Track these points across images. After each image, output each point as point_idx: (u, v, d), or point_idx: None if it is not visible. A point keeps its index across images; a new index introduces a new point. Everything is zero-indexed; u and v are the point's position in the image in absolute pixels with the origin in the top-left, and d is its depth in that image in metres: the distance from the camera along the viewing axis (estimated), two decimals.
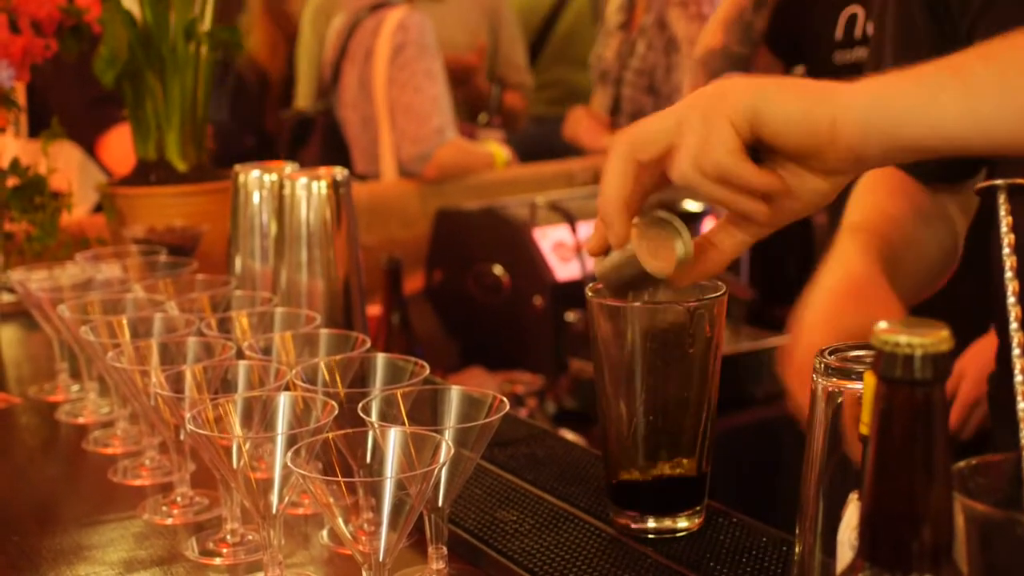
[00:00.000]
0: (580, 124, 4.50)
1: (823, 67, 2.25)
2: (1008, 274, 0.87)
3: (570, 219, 3.29)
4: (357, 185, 3.72)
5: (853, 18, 2.19)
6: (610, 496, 1.28)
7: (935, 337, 0.69)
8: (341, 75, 3.98)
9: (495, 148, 4.13)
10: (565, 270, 3.24)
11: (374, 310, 3.13)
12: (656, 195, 3.16)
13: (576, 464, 1.47)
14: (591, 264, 3.22)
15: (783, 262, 3.95)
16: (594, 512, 1.32)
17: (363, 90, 3.89)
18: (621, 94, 4.34)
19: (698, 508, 1.27)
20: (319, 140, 4.04)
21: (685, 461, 1.24)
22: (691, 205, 3.23)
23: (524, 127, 4.85)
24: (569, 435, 2.51)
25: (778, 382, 3.60)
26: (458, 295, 3.47)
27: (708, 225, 3.34)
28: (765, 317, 3.62)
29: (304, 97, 4.55)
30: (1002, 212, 0.88)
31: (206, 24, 2.24)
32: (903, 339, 0.69)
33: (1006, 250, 0.87)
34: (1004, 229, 0.88)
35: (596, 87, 4.52)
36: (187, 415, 1.15)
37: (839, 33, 2.21)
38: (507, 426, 1.59)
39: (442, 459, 1.05)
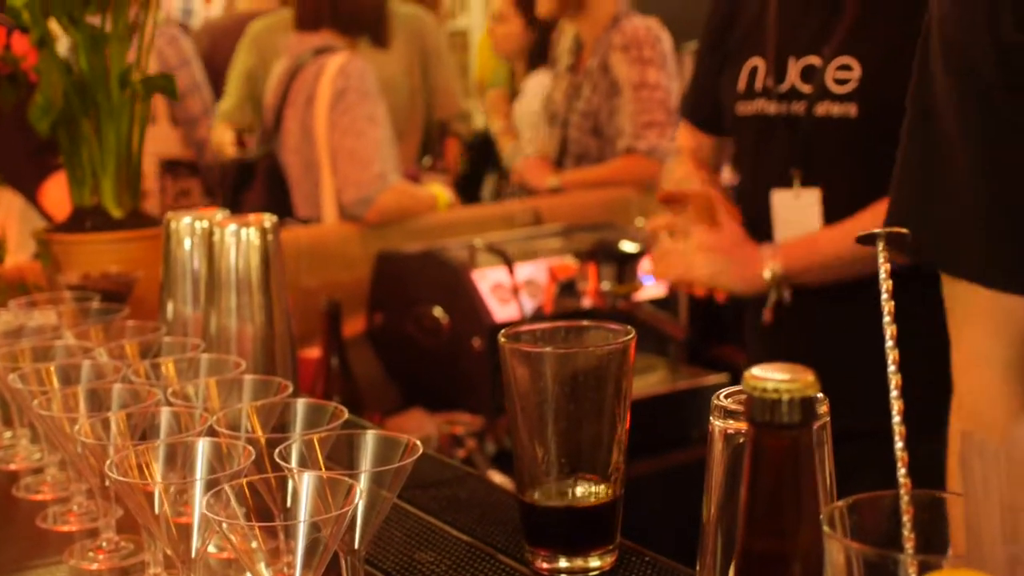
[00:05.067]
0: (526, 167, 4.56)
1: (728, 119, 2.32)
2: (887, 319, 0.91)
3: (508, 261, 3.32)
4: (298, 228, 3.77)
5: (754, 71, 2.25)
6: (525, 535, 1.31)
7: (802, 382, 0.73)
8: (283, 120, 4.00)
9: (438, 190, 4.17)
10: (503, 311, 3.27)
11: (314, 353, 3.15)
12: (596, 236, 3.23)
13: (497, 506, 1.50)
14: (528, 306, 3.27)
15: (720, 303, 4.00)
16: (510, 552, 1.35)
17: (304, 135, 3.92)
18: (568, 136, 4.40)
19: (610, 547, 1.30)
20: (261, 184, 4.06)
21: (598, 498, 1.28)
22: (628, 246, 3.27)
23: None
24: (506, 476, 2.54)
25: None
26: (399, 337, 3.50)
27: (644, 265, 3.39)
28: (703, 357, 3.67)
29: (224, 114, 4.56)
30: (880, 259, 0.92)
31: (141, 72, 2.26)
32: (770, 384, 0.72)
33: (884, 295, 0.91)
34: (883, 275, 0.92)
35: (545, 128, 4.58)
36: (107, 462, 1.18)
37: (741, 85, 2.27)
38: (431, 468, 1.62)
39: (354, 501, 1.08)
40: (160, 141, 4.48)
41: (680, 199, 2.35)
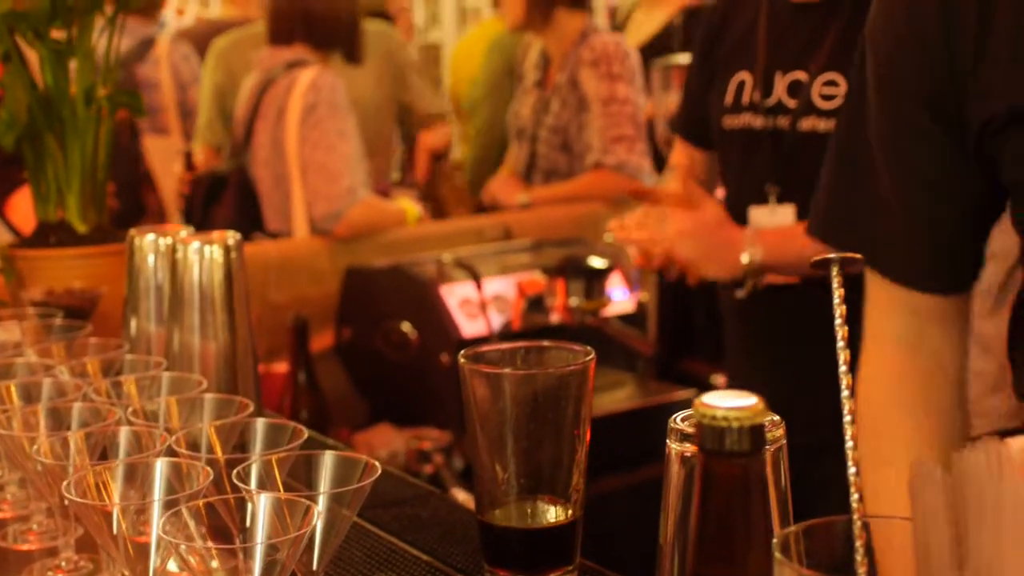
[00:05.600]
0: (495, 183, 4.57)
1: (715, 133, 2.32)
2: (840, 343, 0.91)
3: (476, 276, 3.33)
4: (267, 243, 3.76)
5: (741, 85, 2.26)
6: (484, 555, 1.31)
7: (751, 411, 0.73)
8: (254, 134, 4.00)
9: (407, 205, 4.17)
10: (471, 327, 3.27)
11: (282, 368, 3.14)
12: (565, 251, 3.24)
13: (458, 525, 1.50)
14: (496, 321, 3.27)
15: (689, 317, 4.02)
16: (470, 572, 1.35)
17: (275, 149, 3.92)
18: (536, 151, 4.40)
19: (570, 567, 1.30)
20: (232, 198, 4.06)
21: (558, 519, 1.28)
22: (596, 262, 3.28)
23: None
24: (472, 493, 2.53)
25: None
26: (367, 352, 3.50)
27: (612, 280, 3.40)
28: (672, 372, 3.68)
29: (201, 137, 4.59)
30: (835, 284, 0.93)
31: (107, 88, 2.26)
32: (719, 413, 0.73)
33: (838, 320, 0.92)
34: (836, 300, 0.92)
35: (512, 143, 4.58)
36: (65, 483, 1.17)
37: (729, 99, 2.28)
38: (393, 486, 1.62)
39: (311, 523, 1.08)
40: (174, 154, 4.50)
41: (653, 196, 2.36)
